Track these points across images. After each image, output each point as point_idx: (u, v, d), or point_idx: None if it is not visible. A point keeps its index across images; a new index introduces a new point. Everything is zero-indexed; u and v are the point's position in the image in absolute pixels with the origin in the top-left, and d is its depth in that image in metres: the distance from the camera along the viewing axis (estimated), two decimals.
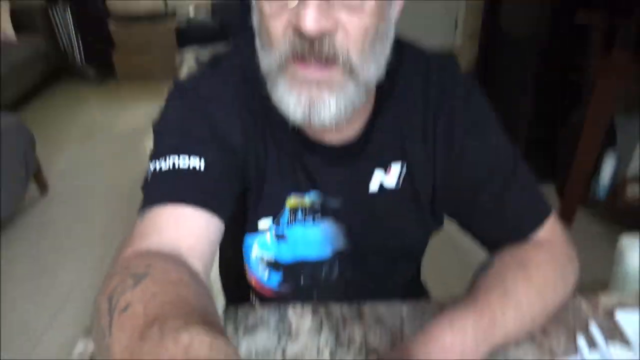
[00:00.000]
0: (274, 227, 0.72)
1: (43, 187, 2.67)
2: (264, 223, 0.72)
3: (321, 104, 0.55)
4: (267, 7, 0.53)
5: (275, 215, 0.71)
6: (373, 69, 0.57)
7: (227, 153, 0.64)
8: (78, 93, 4.13)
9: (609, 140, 2.09)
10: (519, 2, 2.52)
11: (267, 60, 0.56)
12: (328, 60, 0.53)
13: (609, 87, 1.86)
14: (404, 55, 0.67)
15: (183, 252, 0.55)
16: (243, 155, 0.66)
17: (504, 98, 2.92)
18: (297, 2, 0.50)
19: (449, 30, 4.38)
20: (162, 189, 0.59)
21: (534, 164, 2.28)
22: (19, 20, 3.90)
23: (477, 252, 0.77)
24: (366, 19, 0.53)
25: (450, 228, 0.76)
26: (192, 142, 0.62)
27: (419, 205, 0.72)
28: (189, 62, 2.65)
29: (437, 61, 0.70)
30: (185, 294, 0.46)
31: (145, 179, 0.61)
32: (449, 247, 1.83)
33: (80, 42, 4.30)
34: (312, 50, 0.52)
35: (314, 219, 0.72)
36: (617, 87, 1.84)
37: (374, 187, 0.70)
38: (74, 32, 4.27)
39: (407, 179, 0.70)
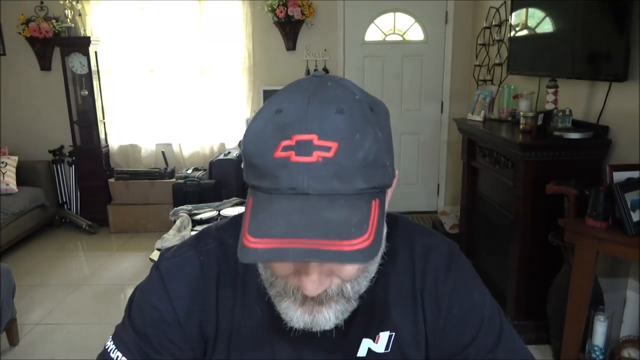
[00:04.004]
0: None
1: (14, 337, 2.53)
2: None
3: (322, 318, 0.61)
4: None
5: None
6: (365, 282, 0.63)
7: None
8: (69, 242, 4.15)
9: (597, 302, 2.10)
10: (493, 171, 2.74)
11: (269, 279, 0.63)
12: (326, 299, 0.60)
13: (587, 251, 1.94)
14: (387, 226, 0.70)
15: None
16: (202, 338, 0.71)
17: (488, 260, 2.99)
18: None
19: (432, 196, 4.64)
20: None
21: (528, 327, 2.25)
22: (24, 174, 4.13)
23: None
24: (357, 265, 0.59)
25: None
26: (138, 348, 0.69)
27: None
28: (181, 218, 2.74)
29: (419, 230, 0.76)
30: None
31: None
32: None
33: (79, 195, 4.47)
34: (311, 297, 0.60)
35: None
36: (597, 250, 1.91)
37: (362, 352, 0.71)
38: (74, 186, 4.47)
39: (395, 344, 0.71)
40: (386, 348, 0.71)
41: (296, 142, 0.52)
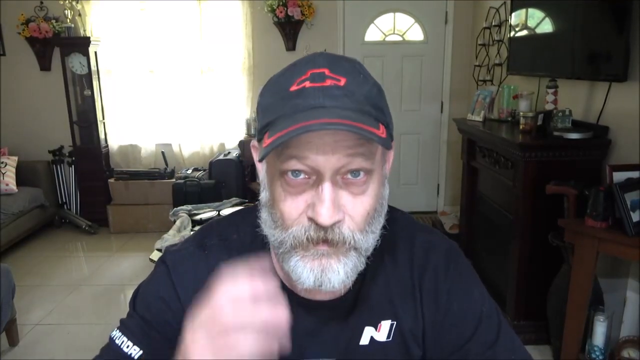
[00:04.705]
0: None
1: (14, 337, 2.54)
2: None
3: (331, 271, 0.61)
4: (282, 197, 0.61)
5: None
6: (371, 240, 0.64)
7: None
8: (69, 242, 4.16)
9: (597, 302, 2.10)
10: (493, 171, 2.74)
11: (280, 237, 0.62)
12: (336, 244, 0.60)
13: (587, 251, 1.94)
14: (390, 219, 0.72)
15: None
16: None
17: (488, 260, 2.99)
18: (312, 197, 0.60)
19: (432, 196, 4.64)
20: None
21: (528, 327, 2.25)
22: (24, 174, 4.13)
23: None
24: (367, 204, 0.61)
25: None
26: (144, 332, 0.69)
27: (410, 358, 0.73)
28: (181, 218, 2.74)
29: (420, 227, 0.78)
30: None
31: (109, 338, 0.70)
32: None
33: (78, 195, 4.47)
34: (325, 237, 0.60)
35: None
36: (596, 250, 1.91)
37: (364, 341, 0.72)
38: (74, 186, 4.47)
39: (397, 333, 0.72)
40: (388, 336, 0.71)
41: (310, 74, 0.59)
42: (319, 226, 0.58)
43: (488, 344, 0.69)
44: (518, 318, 2.45)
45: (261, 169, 0.66)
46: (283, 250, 0.62)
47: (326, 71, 0.59)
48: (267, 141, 0.57)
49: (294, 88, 0.59)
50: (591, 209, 1.91)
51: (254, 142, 0.68)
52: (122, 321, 0.72)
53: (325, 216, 0.57)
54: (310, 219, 0.59)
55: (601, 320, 2.05)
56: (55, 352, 2.52)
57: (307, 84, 0.58)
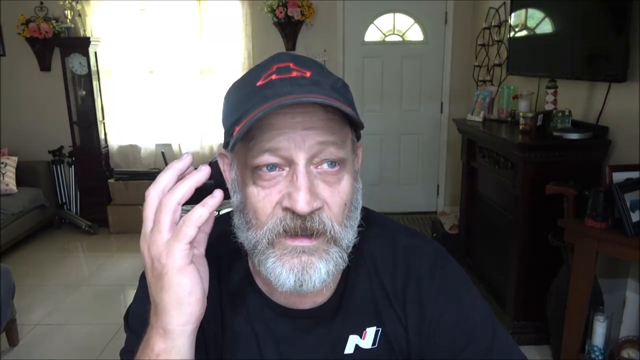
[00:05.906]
0: None
1: (14, 338, 2.54)
2: None
3: (312, 269, 0.58)
4: (255, 192, 0.59)
5: None
6: (350, 235, 0.62)
7: None
8: (69, 243, 4.16)
9: (597, 302, 2.10)
10: (493, 172, 2.74)
11: (254, 237, 0.60)
12: (317, 233, 0.58)
13: (586, 252, 1.94)
14: (370, 224, 0.71)
15: None
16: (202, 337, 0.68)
17: (488, 260, 2.99)
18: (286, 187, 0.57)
19: (432, 196, 4.65)
20: None
21: (528, 327, 2.25)
22: (24, 175, 4.12)
23: None
24: (344, 193, 0.60)
25: None
26: None
27: None
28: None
29: (402, 230, 0.75)
30: None
31: None
32: None
33: (78, 195, 4.47)
34: (304, 226, 0.57)
35: None
36: (596, 251, 1.91)
37: (349, 349, 0.70)
38: (74, 186, 4.47)
39: (383, 340, 0.70)
40: (373, 343, 0.69)
41: (276, 68, 0.59)
42: (296, 215, 0.56)
43: (483, 351, 0.68)
44: (518, 318, 2.45)
45: (229, 175, 0.64)
46: (259, 251, 0.60)
47: (291, 64, 0.60)
48: (237, 129, 0.56)
49: (260, 82, 0.59)
50: (591, 210, 1.91)
51: (222, 150, 0.66)
52: (121, 352, 0.70)
53: (302, 202, 0.55)
54: (286, 209, 0.57)
55: (601, 320, 2.05)
56: (55, 352, 2.51)
57: (274, 76, 0.58)
